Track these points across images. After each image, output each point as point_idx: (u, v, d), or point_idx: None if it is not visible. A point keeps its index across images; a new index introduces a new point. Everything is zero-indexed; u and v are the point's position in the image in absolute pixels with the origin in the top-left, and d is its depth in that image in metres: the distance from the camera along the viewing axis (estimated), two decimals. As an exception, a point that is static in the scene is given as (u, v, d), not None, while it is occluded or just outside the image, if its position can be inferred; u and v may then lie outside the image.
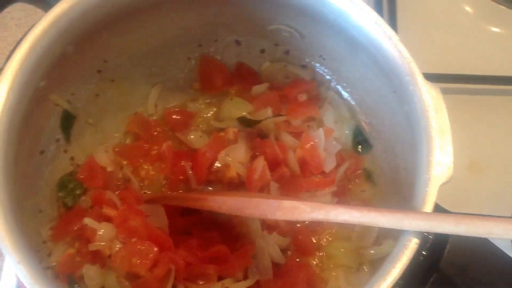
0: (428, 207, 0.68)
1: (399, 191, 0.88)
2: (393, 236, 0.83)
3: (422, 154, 0.73)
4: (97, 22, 0.83)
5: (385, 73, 0.82)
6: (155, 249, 0.82)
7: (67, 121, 0.93)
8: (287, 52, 1.01)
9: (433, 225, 0.64)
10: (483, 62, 1.18)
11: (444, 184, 0.69)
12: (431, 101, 0.73)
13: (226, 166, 0.94)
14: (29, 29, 0.76)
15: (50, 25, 0.77)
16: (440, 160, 0.70)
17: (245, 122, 0.99)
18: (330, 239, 0.91)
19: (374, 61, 0.83)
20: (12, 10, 0.94)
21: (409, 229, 0.66)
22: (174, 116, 1.01)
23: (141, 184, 0.96)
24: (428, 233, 0.68)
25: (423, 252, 0.71)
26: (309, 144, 0.94)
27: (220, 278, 0.85)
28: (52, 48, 0.78)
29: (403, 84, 0.76)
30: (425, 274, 0.71)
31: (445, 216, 0.64)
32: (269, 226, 0.90)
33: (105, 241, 0.84)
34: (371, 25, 0.78)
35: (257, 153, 0.95)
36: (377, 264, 0.85)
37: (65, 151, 0.94)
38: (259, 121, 0.98)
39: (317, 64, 0.99)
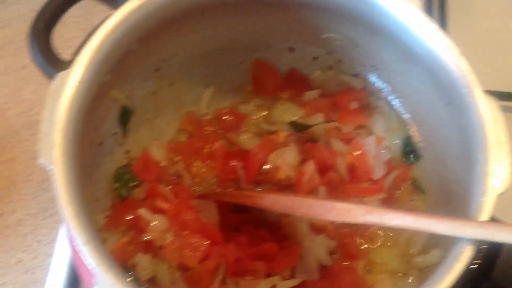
0: (484, 216, 0.69)
1: (448, 202, 0.89)
2: (442, 245, 0.84)
3: (477, 165, 0.74)
4: (162, 22, 0.86)
5: (440, 86, 0.84)
6: (206, 242, 0.84)
7: (125, 116, 0.97)
8: (339, 61, 1.03)
9: (490, 233, 0.65)
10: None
11: (500, 194, 0.70)
12: (488, 113, 0.75)
13: (276, 168, 0.96)
14: (99, 25, 0.80)
15: (120, 22, 0.80)
16: (496, 171, 0.71)
17: (296, 127, 1.01)
18: (377, 244, 0.92)
19: (430, 73, 0.85)
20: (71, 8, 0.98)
21: (465, 236, 0.67)
22: (225, 117, 1.04)
23: (192, 181, 0.99)
24: (483, 242, 0.68)
25: (475, 261, 0.72)
26: (359, 151, 0.96)
27: (267, 276, 0.87)
28: (119, 44, 0.82)
29: (460, 96, 0.78)
30: (477, 284, 0.72)
31: (502, 225, 0.65)
32: (317, 228, 0.92)
33: (157, 232, 0.87)
34: (431, 38, 0.80)
35: (307, 157, 0.97)
36: (424, 274, 0.86)
37: (121, 144, 0.98)
38: (310, 126, 1.00)
39: (369, 74, 1.01)
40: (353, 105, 1.02)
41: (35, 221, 1.08)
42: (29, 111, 1.18)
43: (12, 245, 1.05)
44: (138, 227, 0.89)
